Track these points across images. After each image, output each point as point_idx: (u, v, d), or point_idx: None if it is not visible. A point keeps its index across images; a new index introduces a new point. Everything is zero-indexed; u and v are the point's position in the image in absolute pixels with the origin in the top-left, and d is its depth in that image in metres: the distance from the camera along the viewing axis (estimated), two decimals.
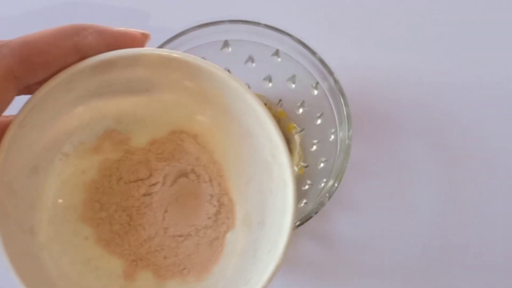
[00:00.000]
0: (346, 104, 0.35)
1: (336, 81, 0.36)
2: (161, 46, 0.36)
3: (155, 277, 0.25)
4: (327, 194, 0.34)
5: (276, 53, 0.38)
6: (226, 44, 0.38)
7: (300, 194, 0.39)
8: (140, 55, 0.23)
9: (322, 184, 0.36)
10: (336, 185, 0.34)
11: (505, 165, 0.43)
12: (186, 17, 0.38)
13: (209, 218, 0.26)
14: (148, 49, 0.23)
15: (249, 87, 0.42)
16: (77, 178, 0.25)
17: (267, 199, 0.24)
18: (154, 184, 0.26)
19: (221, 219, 0.26)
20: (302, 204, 0.38)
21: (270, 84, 0.41)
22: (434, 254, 0.41)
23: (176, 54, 0.23)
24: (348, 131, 0.35)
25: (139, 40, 0.23)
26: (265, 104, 0.41)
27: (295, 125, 0.42)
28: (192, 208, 0.26)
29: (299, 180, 0.41)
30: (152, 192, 0.26)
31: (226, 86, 0.23)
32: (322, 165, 0.38)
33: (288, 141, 0.42)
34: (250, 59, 0.40)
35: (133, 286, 0.25)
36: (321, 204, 0.34)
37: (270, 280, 0.22)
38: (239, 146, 0.25)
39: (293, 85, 0.40)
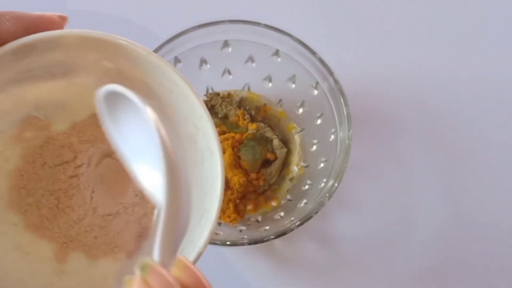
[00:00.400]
0: (346, 104, 0.35)
1: (336, 81, 0.36)
2: (161, 46, 0.36)
3: (87, 257, 0.26)
4: (327, 194, 0.34)
5: (276, 53, 0.38)
6: (226, 44, 0.38)
7: (300, 194, 0.39)
8: (59, 37, 0.23)
9: (322, 184, 0.36)
10: (336, 185, 0.34)
11: (505, 164, 0.43)
12: (186, 17, 0.38)
13: (136, 195, 0.26)
14: (66, 30, 0.23)
15: (249, 87, 0.42)
16: (0, 166, 0.25)
17: (194, 171, 0.25)
18: (79, 166, 0.26)
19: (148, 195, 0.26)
20: (302, 204, 0.38)
21: (270, 84, 0.41)
22: (433, 254, 0.41)
23: (94, 33, 0.23)
24: (348, 131, 0.35)
25: (57, 23, 0.23)
26: (265, 105, 0.42)
27: (295, 125, 0.42)
28: (119, 187, 0.26)
29: (299, 180, 0.41)
30: (78, 174, 0.26)
31: (146, 63, 0.23)
32: (322, 165, 0.38)
33: (288, 141, 0.42)
34: (250, 59, 0.40)
35: (66, 268, 0.25)
36: (321, 204, 0.34)
37: (205, 246, 0.22)
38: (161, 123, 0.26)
39: (293, 85, 0.40)
